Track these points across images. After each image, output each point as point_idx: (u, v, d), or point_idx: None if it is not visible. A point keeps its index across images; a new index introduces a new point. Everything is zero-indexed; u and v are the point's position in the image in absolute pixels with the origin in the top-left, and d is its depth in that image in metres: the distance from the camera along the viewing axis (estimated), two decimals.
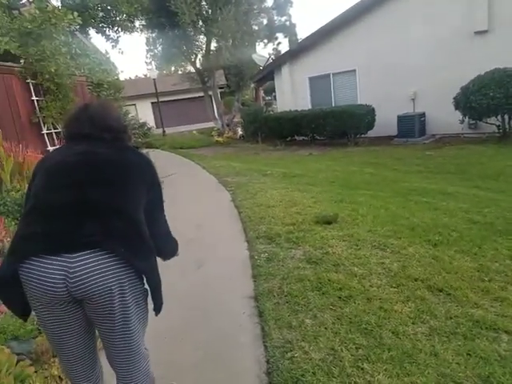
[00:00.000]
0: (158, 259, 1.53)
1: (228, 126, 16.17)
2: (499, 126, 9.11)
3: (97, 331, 1.50)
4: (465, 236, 3.50)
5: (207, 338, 2.35)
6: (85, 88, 7.14)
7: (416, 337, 2.12)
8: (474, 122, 9.69)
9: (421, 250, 3.22)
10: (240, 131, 15.27)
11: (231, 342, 2.28)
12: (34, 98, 5.82)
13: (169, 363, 2.12)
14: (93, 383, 1.60)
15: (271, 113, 14.40)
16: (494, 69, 8.75)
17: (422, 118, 10.71)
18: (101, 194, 1.39)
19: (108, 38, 9.50)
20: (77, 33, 8.65)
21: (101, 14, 8.94)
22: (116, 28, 9.21)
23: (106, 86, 7.18)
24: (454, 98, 9.31)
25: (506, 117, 8.95)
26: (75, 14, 6.21)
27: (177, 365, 2.12)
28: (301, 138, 12.64)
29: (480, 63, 9.11)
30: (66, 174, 1.44)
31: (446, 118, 10.11)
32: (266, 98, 24.98)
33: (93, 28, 9.05)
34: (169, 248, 1.75)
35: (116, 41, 9.64)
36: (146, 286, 1.43)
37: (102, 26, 9.05)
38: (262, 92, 21.87)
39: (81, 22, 6.56)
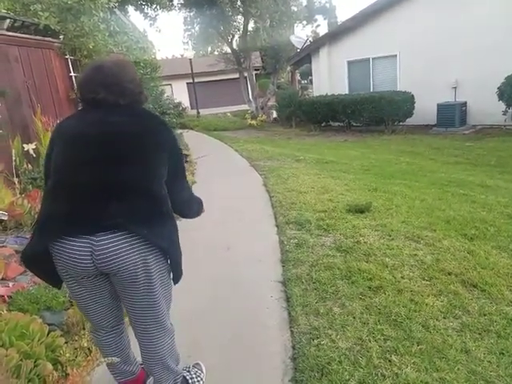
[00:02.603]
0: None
1: (262, 109, 16.07)
2: None
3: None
4: (502, 231, 3.36)
5: (234, 319, 2.40)
6: None
7: (447, 332, 2.09)
8: None
9: (456, 244, 3.13)
10: (274, 114, 15.14)
11: (258, 325, 2.32)
12: (73, 73, 5.89)
13: (195, 343, 2.18)
14: (121, 352, 1.69)
15: (306, 97, 14.16)
16: None
17: (463, 108, 10.22)
18: (121, 173, 1.37)
19: (146, 15, 9.57)
20: (116, 10, 8.76)
21: None
22: (154, 6, 9.24)
23: (142, 64, 7.26)
24: (498, 88, 8.84)
25: None
26: None
27: (202, 345, 2.18)
28: (336, 123, 12.40)
29: None
30: (86, 148, 1.39)
31: (488, 108, 9.60)
32: (302, 82, 24.54)
33: (131, 5, 9.11)
34: (193, 211, 1.76)
35: (154, 19, 9.71)
36: (169, 261, 1.48)
37: (141, 4, 9.11)
38: (297, 75, 21.47)
39: None
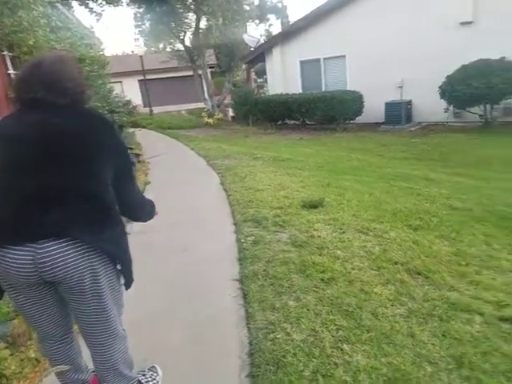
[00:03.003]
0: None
1: (218, 107, 15.97)
2: (482, 115, 9.28)
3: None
4: (444, 221, 3.61)
5: (192, 319, 2.39)
6: None
7: (394, 318, 2.21)
8: (458, 110, 9.86)
9: (402, 235, 3.31)
10: (231, 113, 15.12)
11: (216, 324, 2.33)
12: (12, 71, 5.56)
13: (151, 345, 2.15)
14: (71, 362, 1.63)
15: (262, 95, 14.27)
16: (477, 59, 8.89)
17: (409, 106, 10.82)
18: (65, 178, 1.31)
19: (91, 11, 9.19)
20: (58, 5, 8.32)
21: None
22: (99, 1, 8.89)
23: (88, 61, 6.95)
24: (440, 87, 9.44)
25: (488, 107, 9.12)
26: None
27: (159, 346, 2.15)
28: (292, 122, 12.62)
29: (465, 53, 9.22)
30: (26, 150, 1.31)
31: (431, 106, 10.24)
32: (258, 80, 24.67)
33: (75, 0, 8.72)
34: (145, 214, 1.70)
35: (99, 14, 9.34)
36: (119, 267, 1.44)
37: None
38: (253, 74, 21.58)
39: None
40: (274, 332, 2.15)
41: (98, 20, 9.48)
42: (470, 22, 9.76)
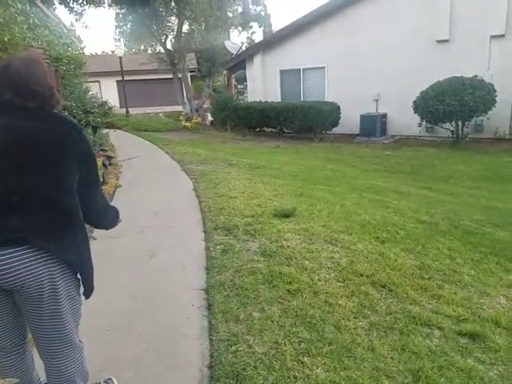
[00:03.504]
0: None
1: (197, 111, 15.90)
2: (453, 131, 9.62)
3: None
4: (411, 235, 3.69)
5: (152, 330, 2.33)
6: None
7: (356, 331, 2.22)
8: (430, 125, 10.17)
9: (369, 247, 3.36)
10: (210, 117, 15.07)
11: (177, 335, 2.28)
12: None
13: (109, 356, 2.09)
14: (23, 374, 1.57)
15: (241, 102, 14.31)
16: (451, 77, 9.21)
17: (384, 119, 11.09)
18: (28, 184, 1.29)
19: (72, 10, 9.01)
20: (37, 2, 8.11)
21: None
22: (80, 1, 8.73)
23: (65, 60, 6.79)
24: (414, 102, 9.71)
25: (460, 123, 9.46)
26: None
27: (118, 358, 2.09)
28: (269, 129, 12.71)
29: (440, 70, 9.56)
30: None
31: (405, 120, 10.53)
32: (239, 87, 24.76)
33: None
34: (108, 221, 1.68)
35: (80, 14, 9.17)
36: (79, 276, 1.43)
37: None
38: (234, 80, 21.64)
39: None
40: (236, 344, 2.12)
41: (77, 20, 9.25)
42: (446, 41, 10.14)
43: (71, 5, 8.83)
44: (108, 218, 1.67)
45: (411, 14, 10.36)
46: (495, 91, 8.91)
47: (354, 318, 2.35)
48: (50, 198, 1.32)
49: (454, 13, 9.89)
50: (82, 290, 1.47)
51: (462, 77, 9.10)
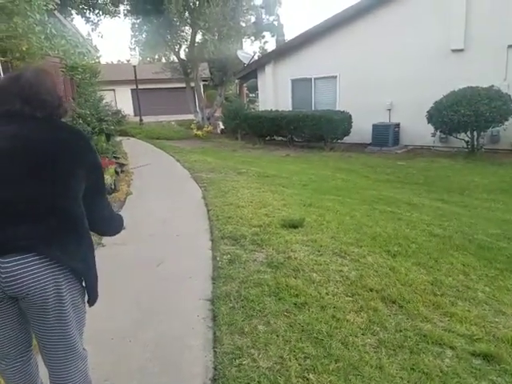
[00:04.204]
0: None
1: (208, 119, 16.02)
2: (468, 141, 9.44)
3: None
4: (423, 248, 3.58)
5: (157, 339, 2.30)
6: (58, 70, 6.88)
7: (364, 348, 2.15)
8: (444, 136, 10.00)
9: (379, 260, 3.28)
10: (221, 126, 15.16)
11: (182, 346, 2.24)
12: (2, 75, 5.55)
13: (114, 365, 2.07)
14: (27, 381, 1.57)
15: (252, 111, 14.36)
16: (466, 87, 9.05)
17: (396, 129, 10.96)
18: (35, 192, 1.30)
19: (88, 20, 9.21)
20: (56, 12, 8.30)
21: None
22: (97, 11, 8.92)
23: (80, 69, 6.93)
24: (428, 112, 9.56)
25: (475, 134, 9.28)
26: None
27: (122, 367, 2.07)
28: (280, 138, 12.69)
29: (454, 80, 9.40)
30: None
31: (419, 130, 10.38)
32: (250, 95, 24.90)
33: (72, 9, 8.72)
34: (113, 229, 1.69)
35: (96, 24, 9.36)
36: (84, 284, 1.42)
37: (83, 8, 8.74)
38: (245, 89, 21.78)
39: (58, 2, 6.31)
40: (240, 357, 2.08)
41: (93, 29, 9.46)
42: (461, 50, 9.99)
43: (88, 15, 9.02)
44: (113, 226, 1.69)
45: (425, 23, 10.26)
46: None
47: (363, 334, 2.28)
48: (56, 206, 1.32)
49: (469, 22, 9.75)
50: (86, 297, 1.47)
51: (477, 87, 8.93)
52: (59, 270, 1.31)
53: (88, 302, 1.48)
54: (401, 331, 2.32)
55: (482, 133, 9.29)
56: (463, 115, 8.76)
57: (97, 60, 8.27)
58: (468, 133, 9.29)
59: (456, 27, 9.89)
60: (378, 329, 2.33)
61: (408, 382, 1.91)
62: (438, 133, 9.79)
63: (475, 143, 9.43)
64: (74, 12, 9.39)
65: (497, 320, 2.52)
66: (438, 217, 4.76)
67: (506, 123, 8.87)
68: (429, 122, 9.62)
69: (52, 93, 1.42)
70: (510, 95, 8.77)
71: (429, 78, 10.22)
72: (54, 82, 1.47)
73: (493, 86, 8.95)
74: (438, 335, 2.28)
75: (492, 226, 4.59)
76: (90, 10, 9.01)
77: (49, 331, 1.37)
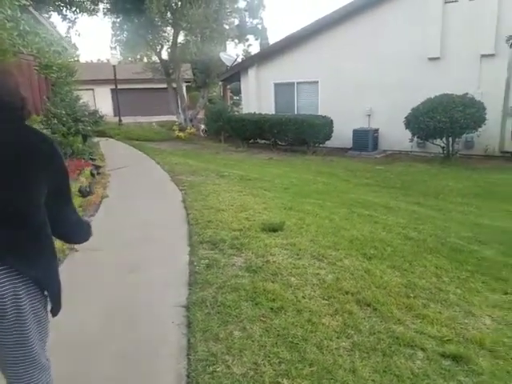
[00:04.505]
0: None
1: (191, 121, 15.92)
2: (444, 147, 9.71)
3: None
4: (398, 251, 3.66)
5: (129, 348, 2.26)
6: (32, 68, 6.71)
7: (338, 352, 2.17)
8: (422, 141, 10.26)
9: (355, 263, 3.33)
10: (202, 126, 15.09)
11: (154, 354, 2.21)
12: None
13: (82, 375, 2.02)
14: None
15: (236, 113, 14.36)
16: (442, 94, 9.33)
17: (376, 134, 11.17)
18: None
19: (65, 17, 9.02)
20: (31, 9, 8.10)
21: None
22: (74, 9, 8.74)
23: (55, 68, 6.77)
24: (406, 118, 9.80)
25: (450, 140, 9.56)
26: None
27: (91, 377, 2.02)
28: (263, 141, 12.73)
29: (431, 87, 9.69)
30: None
31: (397, 135, 10.61)
32: (234, 98, 24.87)
33: (48, 6, 8.51)
34: (79, 236, 1.63)
35: (73, 22, 9.19)
36: (46, 293, 1.37)
37: (59, 5, 8.55)
38: (229, 91, 21.75)
39: None
40: (214, 364, 2.07)
41: (70, 27, 9.27)
42: (437, 58, 10.30)
43: (64, 12, 8.83)
44: (79, 233, 1.62)
45: (404, 31, 10.54)
46: (485, 109, 9.03)
47: (337, 337, 2.31)
48: (16, 211, 1.27)
49: (444, 31, 10.08)
50: (49, 307, 1.42)
51: (452, 94, 9.23)
52: (18, 278, 1.26)
53: (51, 311, 1.42)
54: (374, 334, 2.35)
55: (457, 139, 9.60)
56: (439, 121, 9.01)
57: (75, 58, 8.09)
58: (444, 139, 9.57)
59: (432, 36, 10.21)
60: (353, 332, 2.36)
61: None
62: (416, 138, 10.03)
63: (450, 149, 9.71)
64: (51, 9, 9.16)
65: (466, 321, 2.59)
66: (413, 220, 4.87)
67: (480, 129, 9.20)
68: (406, 128, 9.84)
69: (14, 94, 1.35)
70: (482, 103, 9.09)
71: (407, 84, 10.47)
72: (16, 83, 1.41)
73: (467, 93, 9.25)
74: (410, 337, 2.32)
75: (464, 229, 4.73)
76: (66, 8, 8.80)
77: (8, 342, 1.32)
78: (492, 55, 9.63)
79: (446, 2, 10.04)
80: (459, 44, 9.90)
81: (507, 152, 9.79)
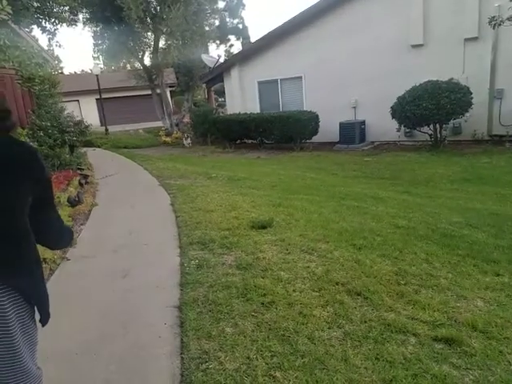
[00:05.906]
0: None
1: (177, 125, 15.86)
2: (431, 135, 9.76)
3: None
4: (388, 240, 3.66)
5: (123, 351, 2.24)
6: (14, 82, 6.63)
7: (330, 342, 2.17)
8: (409, 130, 10.31)
9: (345, 254, 3.33)
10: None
11: (148, 355, 2.20)
12: None
13: (77, 380, 2.00)
14: None
15: (221, 115, 14.34)
16: (427, 81, 9.34)
17: (362, 126, 11.21)
18: None
19: (44, 29, 8.91)
20: (10, 23, 8.00)
21: (36, 4, 8.34)
22: (53, 20, 8.65)
23: (37, 80, 6.71)
24: (391, 107, 9.81)
25: (438, 126, 9.61)
26: (4, 2, 5.73)
27: (87, 381, 2.00)
28: (250, 141, 12.74)
29: (416, 75, 9.71)
30: None
31: (384, 126, 10.65)
32: (219, 100, 24.86)
33: (26, 19, 8.42)
34: (62, 242, 1.66)
35: (53, 33, 9.08)
36: (32, 302, 1.36)
37: (38, 17, 8.46)
38: (213, 93, 21.73)
39: (11, 12, 6.08)
40: (207, 362, 2.06)
41: (50, 39, 9.15)
42: (420, 45, 10.34)
43: (43, 24, 8.72)
44: (62, 239, 1.62)
45: (385, 19, 10.56)
46: (471, 93, 9.00)
47: (329, 328, 2.30)
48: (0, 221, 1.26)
49: (427, 17, 10.09)
50: (38, 316, 1.40)
51: (437, 80, 9.21)
52: (2, 288, 1.25)
53: (40, 321, 1.41)
54: (366, 322, 2.35)
55: (445, 125, 9.61)
56: (425, 109, 9.02)
57: (59, 71, 8.03)
58: (431, 126, 9.60)
59: (415, 23, 10.22)
60: (344, 321, 2.36)
61: (372, 371, 1.94)
62: (403, 127, 10.07)
63: (438, 136, 9.75)
64: (29, 22, 9.05)
65: (458, 305, 2.59)
66: (403, 209, 4.89)
67: (467, 114, 9.21)
68: (393, 118, 9.87)
69: None
70: (468, 87, 9.09)
71: (391, 74, 10.53)
72: (2, 95, 1.46)
73: (452, 78, 9.28)
74: (402, 323, 2.33)
75: (455, 214, 4.76)
76: (45, 19, 8.71)
77: None
78: (475, 38, 9.61)
79: None
80: (442, 29, 9.93)
81: (496, 135, 9.78)
